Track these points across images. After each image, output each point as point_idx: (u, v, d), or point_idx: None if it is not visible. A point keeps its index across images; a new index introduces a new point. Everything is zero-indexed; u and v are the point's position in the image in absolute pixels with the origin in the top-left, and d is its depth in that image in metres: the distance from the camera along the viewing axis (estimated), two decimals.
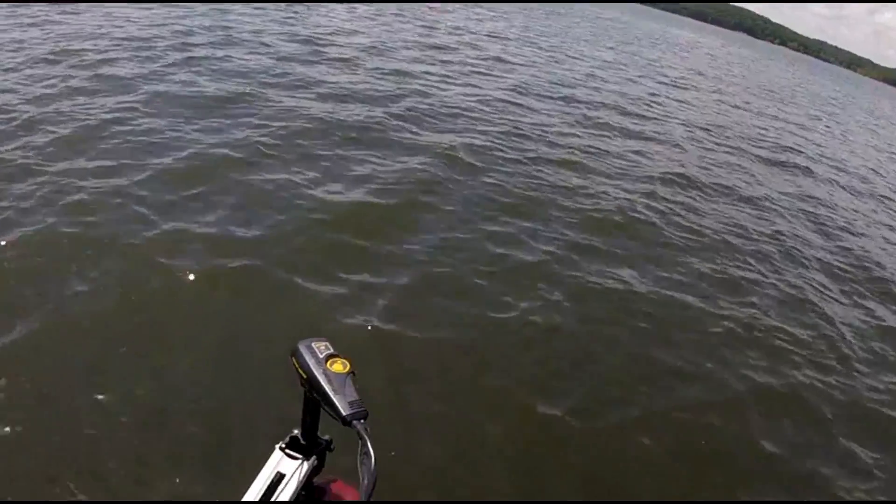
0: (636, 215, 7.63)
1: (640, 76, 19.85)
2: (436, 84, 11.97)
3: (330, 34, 14.78)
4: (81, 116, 7.06)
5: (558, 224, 6.86)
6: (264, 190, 6.13)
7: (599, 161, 9.54)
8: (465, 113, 10.32)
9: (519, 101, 12.14)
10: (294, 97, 9.23)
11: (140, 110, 7.50)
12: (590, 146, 10.17)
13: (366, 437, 1.25)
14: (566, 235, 6.62)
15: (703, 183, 9.67)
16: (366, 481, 1.21)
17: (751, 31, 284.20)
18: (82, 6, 12.46)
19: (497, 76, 14.30)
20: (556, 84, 14.68)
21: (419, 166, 7.50)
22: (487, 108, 11.07)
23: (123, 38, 10.66)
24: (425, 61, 14.07)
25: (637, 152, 10.49)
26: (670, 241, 7.17)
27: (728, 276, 6.64)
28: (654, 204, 8.15)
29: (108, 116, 7.18)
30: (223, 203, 5.65)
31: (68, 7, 12.07)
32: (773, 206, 9.52)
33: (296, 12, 16.98)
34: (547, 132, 10.34)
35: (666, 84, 19.86)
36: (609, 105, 13.62)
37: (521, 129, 10.19)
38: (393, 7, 22.27)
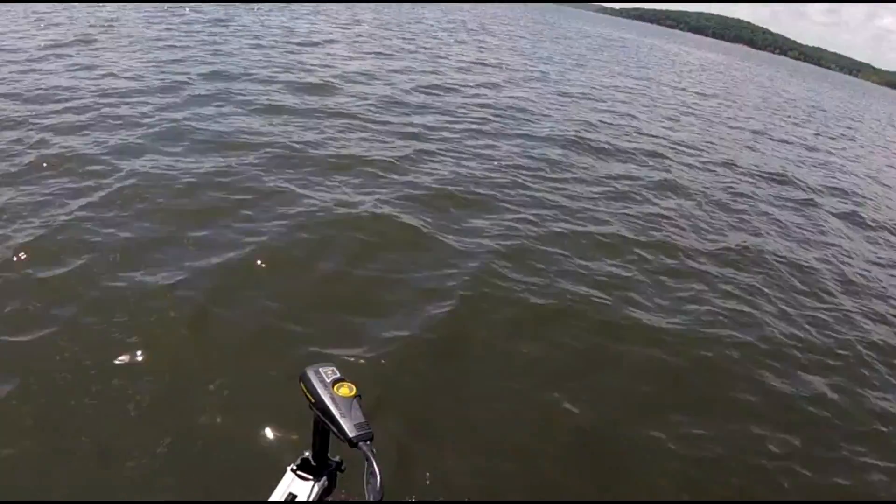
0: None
1: (671, 111, 18.32)
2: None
3: None
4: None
5: None
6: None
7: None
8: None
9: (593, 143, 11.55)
10: None
11: None
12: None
13: (372, 458, 1.30)
14: None
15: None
16: (371, 496, 1.27)
17: (751, 43, 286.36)
18: None
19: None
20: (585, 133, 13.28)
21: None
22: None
23: None
24: None
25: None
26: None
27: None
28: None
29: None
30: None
31: None
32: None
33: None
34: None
35: (692, 117, 18.39)
36: (643, 151, 12.21)
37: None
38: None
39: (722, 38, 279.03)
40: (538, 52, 28.13)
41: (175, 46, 14.42)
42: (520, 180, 8.46)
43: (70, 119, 8.14)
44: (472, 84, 15.45)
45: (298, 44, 17.90)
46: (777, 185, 11.43)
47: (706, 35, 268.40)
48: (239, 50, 15.14)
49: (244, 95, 10.56)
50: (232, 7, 25.25)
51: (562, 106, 14.66)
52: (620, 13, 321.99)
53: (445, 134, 10.30)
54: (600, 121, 13.60)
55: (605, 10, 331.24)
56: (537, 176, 8.88)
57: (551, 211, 7.55)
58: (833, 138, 21.22)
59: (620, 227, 7.44)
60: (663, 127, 14.68)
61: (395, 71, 15.55)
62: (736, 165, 12.12)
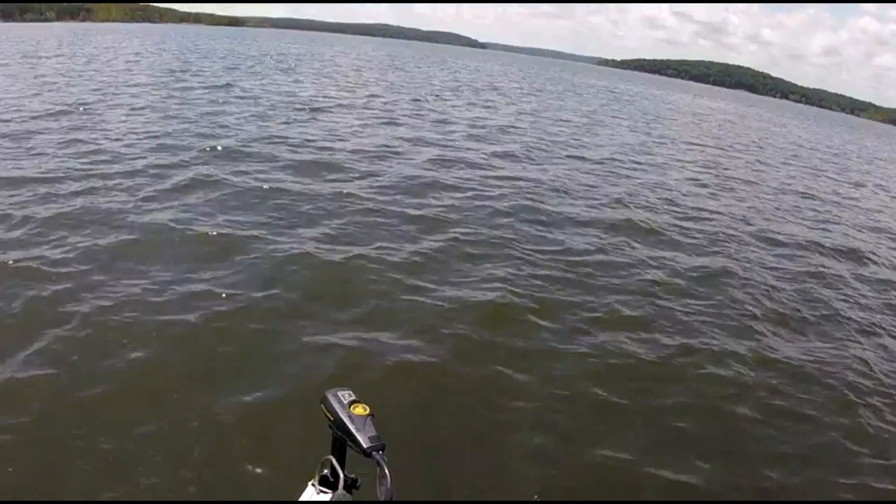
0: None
1: (705, 175, 16.98)
2: None
3: None
4: None
5: None
6: None
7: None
8: None
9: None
10: None
11: None
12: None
13: (383, 465, 1.47)
14: None
15: None
16: (383, 497, 1.44)
17: (752, 88, 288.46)
18: None
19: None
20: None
21: None
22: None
23: None
24: None
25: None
26: None
27: None
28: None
29: None
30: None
31: None
32: None
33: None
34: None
35: (710, 172, 17.02)
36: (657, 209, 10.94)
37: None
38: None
39: (723, 84, 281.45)
40: (548, 111, 27.15)
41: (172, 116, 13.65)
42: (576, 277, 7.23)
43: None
44: (487, 154, 14.19)
45: (302, 110, 17.02)
46: (853, 262, 9.90)
47: (708, 83, 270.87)
48: (238, 122, 14.30)
49: (243, 181, 9.50)
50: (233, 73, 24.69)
51: (589, 179, 13.18)
52: (622, 65, 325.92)
53: (474, 225, 8.81)
54: (638, 196, 12.05)
55: (606, 63, 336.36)
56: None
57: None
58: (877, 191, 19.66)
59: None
60: (706, 197, 13.08)
61: (406, 140, 14.44)
62: (813, 245, 10.48)
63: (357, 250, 7.12)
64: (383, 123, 16.81)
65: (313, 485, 1.67)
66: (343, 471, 1.63)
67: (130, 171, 9.48)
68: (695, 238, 9.69)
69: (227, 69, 29.19)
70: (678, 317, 6.55)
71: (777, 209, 13.19)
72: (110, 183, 8.79)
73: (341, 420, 1.57)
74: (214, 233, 7.17)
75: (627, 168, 15.03)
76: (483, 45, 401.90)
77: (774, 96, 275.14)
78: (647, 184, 13.38)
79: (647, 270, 7.82)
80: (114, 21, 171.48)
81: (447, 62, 68.55)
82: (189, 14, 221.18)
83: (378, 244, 7.40)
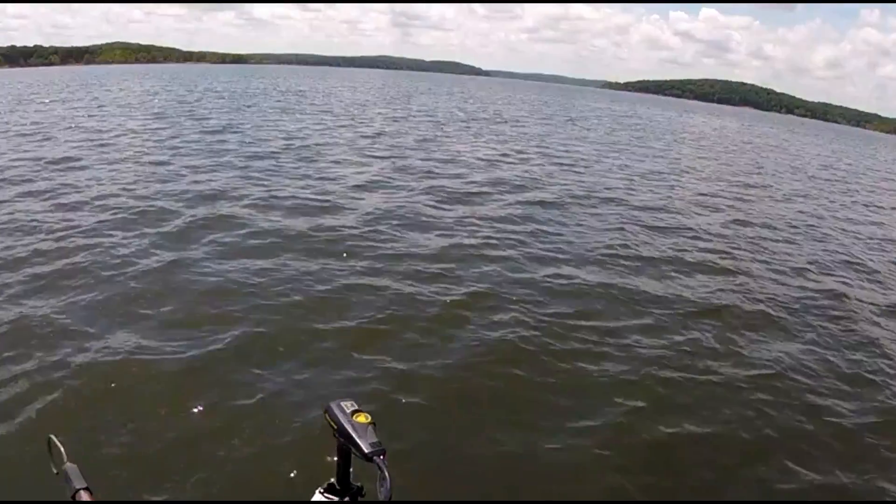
0: None
1: (734, 208, 15.74)
2: None
3: None
4: None
5: None
6: None
7: None
8: None
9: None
10: None
11: None
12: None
13: (384, 468, 1.53)
14: None
15: None
16: (383, 498, 1.50)
17: (757, 105, 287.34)
18: None
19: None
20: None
21: None
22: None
23: None
24: None
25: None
26: None
27: None
28: None
29: None
30: None
31: None
32: None
33: None
34: None
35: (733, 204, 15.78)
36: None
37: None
38: None
39: (728, 102, 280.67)
40: (557, 140, 26.12)
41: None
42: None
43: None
44: (504, 190, 13.10)
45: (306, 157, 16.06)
46: None
47: (713, 101, 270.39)
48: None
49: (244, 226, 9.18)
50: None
51: (604, 217, 12.02)
52: (626, 87, 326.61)
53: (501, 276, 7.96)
54: (663, 240, 10.83)
55: (610, 85, 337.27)
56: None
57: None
58: None
59: None
60: (745, 241, 11.71)
61: (417, 177, 13.39)
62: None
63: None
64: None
65: (320, 492, 1.77)
66: (349, 478, 1.76)
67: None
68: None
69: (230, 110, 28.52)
70: None
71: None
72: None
73: (344, 428, 1.65)
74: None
75: (643, 205, 13.85)
76: (487, 73, 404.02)
77: (779, 111, 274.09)
78: (665, 224, 12.22)
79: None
80: (117, 63, 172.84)
81: (454, 92, 68.00)
82: (192, 53, 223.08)
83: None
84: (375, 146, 18.85)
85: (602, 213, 12.19)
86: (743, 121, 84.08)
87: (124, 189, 11.25)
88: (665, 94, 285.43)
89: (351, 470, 1.72)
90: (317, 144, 18.33)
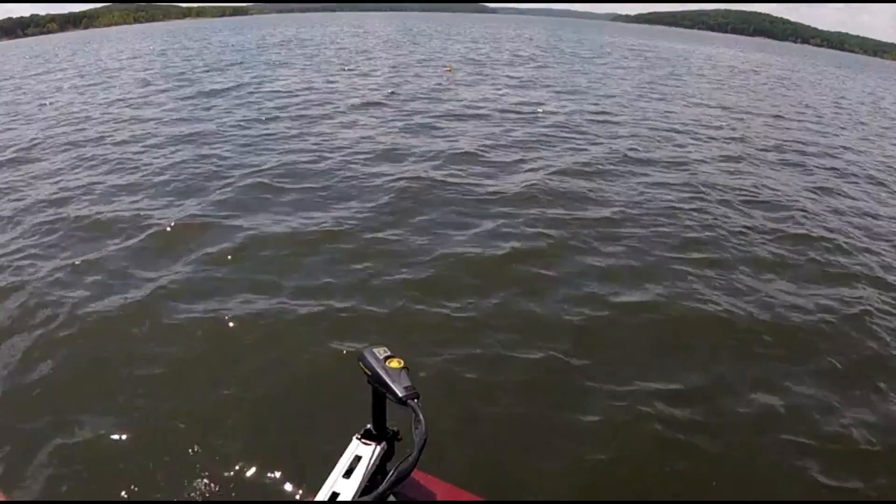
0: None
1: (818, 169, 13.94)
2: None
3: None
4: None
5: None
6: None
7: None
8: None
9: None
10: None
11: None
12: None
13: (418, 411, 1.58)
14: None
15: None
16: (418, 439, 1.55)
17: (772, 35, 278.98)
18: None
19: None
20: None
21: None
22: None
23: None
24: None
25: None
26: None
27: None
28: None
29: None
30: None
31: None
32: None
33: None
34: None
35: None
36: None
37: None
38: None
39: (742, 32, 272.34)
40: (583, 81, 24.06)
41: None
42: None
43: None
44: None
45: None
46: None
47: (726, 32, 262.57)
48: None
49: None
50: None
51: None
52: (637, 19, 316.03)
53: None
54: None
55: (619, 18, 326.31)
56: None
57: None
58: None
59: None
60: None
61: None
62: None
63: None
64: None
65: (358, 438, 1.81)
66: (385, 423, 1.81)
67: None
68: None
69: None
70: None
71: None
72: None
73: (378, 374, 1.67)
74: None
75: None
76: (493, 11, 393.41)
77: (795, 41, 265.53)
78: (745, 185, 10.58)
79: None
80: (117, 25, 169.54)
81: (461, 33, 65.07)
82: (192, 9, 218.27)
83: None
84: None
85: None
86: (765, 52, 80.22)
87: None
88: (678, 26, 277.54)
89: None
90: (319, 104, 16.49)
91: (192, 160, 10.39)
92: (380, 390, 1.69)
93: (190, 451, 3.90)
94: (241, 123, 13.47)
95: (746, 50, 79.31)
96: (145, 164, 10.23)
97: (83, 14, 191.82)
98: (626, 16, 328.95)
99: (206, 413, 4.27)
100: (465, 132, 12.59)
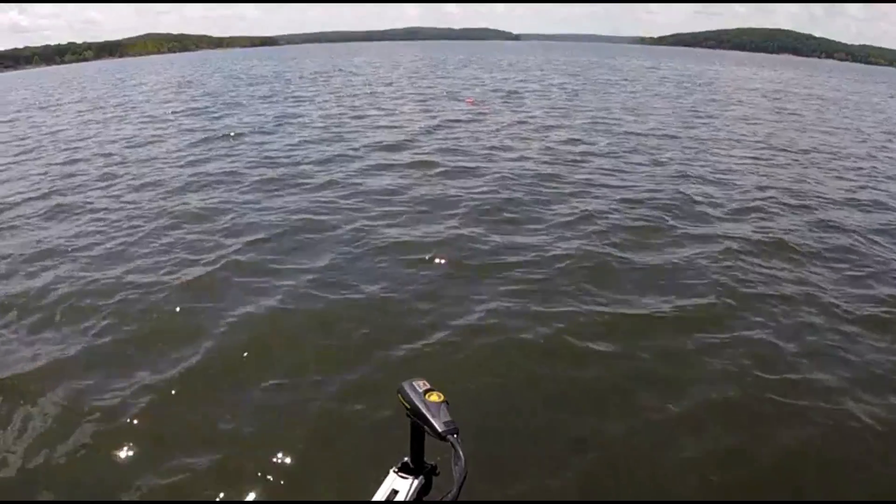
0: None
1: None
2: None
3: None
4: None
5: None
6: None
7: None
8: None
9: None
10: None
11: None
12: None
13: (457, 447, 1.55)
14: None
15: None
16: (457, 476, 1.50)
17: (795, 51, 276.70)
18: None
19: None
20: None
21: None
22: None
23: None
24: None
25: None
26: None
27: None
28: None
29: None
30: None
31: None
32: None
33: None
34: None
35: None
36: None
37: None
38: None
39: (766, 50, 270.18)
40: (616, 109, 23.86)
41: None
42: None
43: None
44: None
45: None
46: None
47: (750, 50, 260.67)
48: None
49: None
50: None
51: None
52: (661, 41, 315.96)
53: None
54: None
55: (643, 41, 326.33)
56: None
57: None
58: None
59: None
60: None
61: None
62: None
63: None
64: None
65: (394, 471, 1.78)
66: (423, 457, 1.77)
67: None
68: None
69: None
70: None
71: None
72: None
73: (417, 407, 1.64)
74: None
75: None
76: (518, 37, 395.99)
77: (819, 56, 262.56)
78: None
79: None
80: (150, 54, 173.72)
81: (487, 61, 65.40)
82: (223, 39, 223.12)
83: None
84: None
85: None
86: (799, 70, 79.27)
87: None
88: (701, 47, 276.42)
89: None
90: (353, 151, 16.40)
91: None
92: (418, 424, 1.67)
93: (209, 468, 4.11)
94: (264, 163, 13.32)
95: (777, 68, 78.56)
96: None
97: (118, 43, 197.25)
98: (650, 38, 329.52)
99: (237, 438, 4.42)
100: (504, 178, 11.73)
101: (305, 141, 15.96)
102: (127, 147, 16.03)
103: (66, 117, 24.28)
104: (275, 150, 14.88)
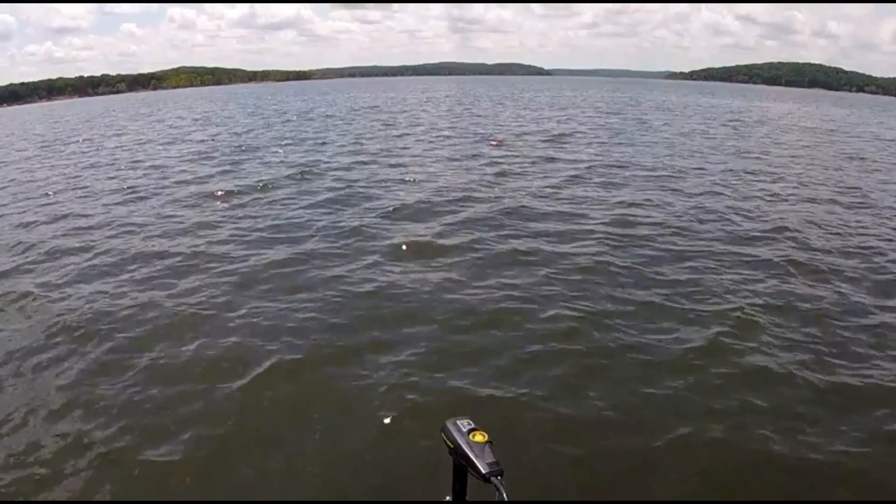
0: None
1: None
2: None
3: None
4: None
5: None
6: None
7: None
8: None
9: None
10: None
11: None
12: None
13: (502, 489, 1.54)
14: None
15: None
16: None
17: (826, 85, 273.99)
18: None
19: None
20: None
21: None
22: None
23: None
24: None
25: None
26: None
27: None
28: None
29: None
30: None
31: None
32: None
33: None
34: None
35: None
36: None
37: None
38: None
39: (797, 84, 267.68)
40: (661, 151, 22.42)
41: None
42: None
43: None
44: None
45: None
46: None
47: (780, 84, 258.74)
48: None
49: None
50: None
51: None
52: (691, 76, 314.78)
53: None
54: None
55: (674, 76, 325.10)
56: None
57: None
58: None
59: None
60: None
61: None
62: None
63: None
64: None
65: None
66: (465, 496, 1.74)
67: None
68: None
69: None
70: None
71: None
72: None
73: (461, 447, 1.63)
74: None
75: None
76: (549, 72, 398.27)
77: (850, 90, 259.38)
78: None
79: None
80: (183, 87, 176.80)
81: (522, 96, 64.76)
82: (256, 73, 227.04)
83: None
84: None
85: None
86: (836, 106, 77.29)
87: None
88: (732, 81, 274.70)
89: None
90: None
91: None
92: (462, 464, 1.64)
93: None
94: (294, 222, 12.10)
95: (816, 103, 76.79)
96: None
97: (151, 75, 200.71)
98: (681, 73, 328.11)
99: (281, 469, 4.57)
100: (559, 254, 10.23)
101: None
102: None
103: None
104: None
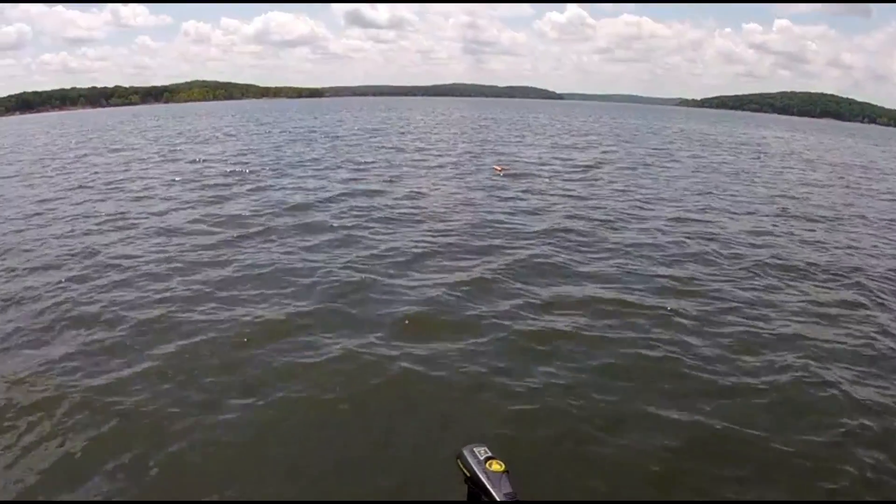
0: None
1: None
2: None
3: None
4: None
5: None
6: None
7: None
8: None
9: None
10: None
11: None
12: None
13: None
14: None
15: None
16: None
17: (838, 116, 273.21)
18: None
19: None
20: None
21: None
22: None
23: None
24: None
25: None
26: None
27: None
28: None
29: None
30: None
31: None
32: None
33: None
34: None
35: None
36: None
37: None
38: None
39: (809, 114, 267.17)
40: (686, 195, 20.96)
41: None
42: None
43: None
44: None
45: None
46: None
47: (792, 114, 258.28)
48: None
49: None
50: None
51: None
52: (702, 103, 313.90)
53: None
54: None
55: (686, 103, 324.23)
56: None
57: None
58: None
59: None
60: None
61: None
62: None
63: None
64: None
65: None
66: None
67: None
68: None
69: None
70: None
71: None
72: None
73: (477, 476, 1.60)
74: None
75: None
76: (560, 96, 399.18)
77: (862, 121, 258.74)
78: None
79: None
80: (195, 101, 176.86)
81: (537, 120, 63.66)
82: (269, 89, 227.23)
83: None
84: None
85: None
86: (855, 138, 75.74)
87: None
88: (744, 110, 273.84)
89: None
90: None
91: None
92: (476, 492, 1.59)
93: None
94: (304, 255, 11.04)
95: (834, 135, 75.40)
96: None
97: (164, 88, 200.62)
98: (692, 100, 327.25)
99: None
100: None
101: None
102: None
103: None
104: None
